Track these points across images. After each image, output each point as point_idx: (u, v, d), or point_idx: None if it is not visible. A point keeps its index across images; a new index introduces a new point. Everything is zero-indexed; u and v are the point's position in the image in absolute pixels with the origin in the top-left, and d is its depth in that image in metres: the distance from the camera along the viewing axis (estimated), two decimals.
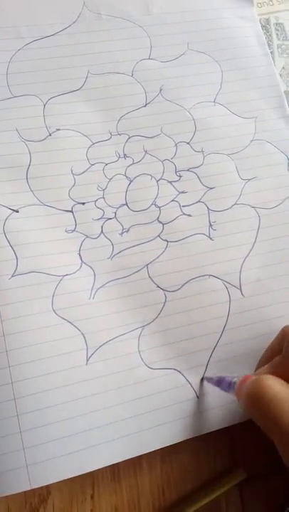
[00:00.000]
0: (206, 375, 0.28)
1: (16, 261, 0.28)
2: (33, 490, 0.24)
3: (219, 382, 0.26)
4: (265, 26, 0.38)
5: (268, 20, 0.38)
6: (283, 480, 0.28)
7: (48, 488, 0.25)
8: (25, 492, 0.24)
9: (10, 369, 0.26)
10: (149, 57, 0.34)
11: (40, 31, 0.33)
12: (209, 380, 0.27)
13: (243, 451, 0.28)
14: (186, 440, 0.27)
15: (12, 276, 0.28)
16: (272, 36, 0.37)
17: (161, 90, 0.33)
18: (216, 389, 0.27)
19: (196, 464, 0.27)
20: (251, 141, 0.33)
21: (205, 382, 0.28)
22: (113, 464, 0.25)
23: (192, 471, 0.27)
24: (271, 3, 0.38)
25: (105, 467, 0.25)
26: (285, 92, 0.35)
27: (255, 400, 0.21)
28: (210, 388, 0.28)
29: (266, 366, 0.24)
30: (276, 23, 0.38)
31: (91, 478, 0.26)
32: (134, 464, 0.26)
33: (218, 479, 0.27)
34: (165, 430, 0.26)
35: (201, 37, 0.35)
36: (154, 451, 0.26)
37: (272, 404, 0.21)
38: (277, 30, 0.38)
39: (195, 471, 0.27)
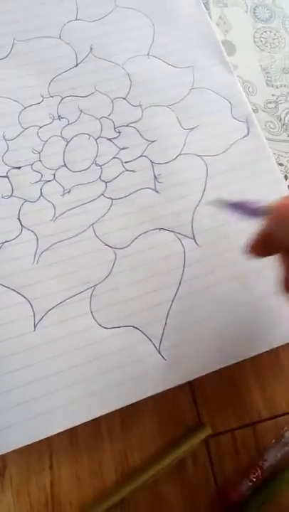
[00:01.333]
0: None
1: None
2: None
3: (239, 206, 0.21)
4: None
5: None
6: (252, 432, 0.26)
7: (3, 460, 0.23)
8: None
9: None
10: (76, 18, 0.33)
11: None
12: (225, 204, 0.22)
13: (207, 408, 0.27)
14: (146, 401, 0.25)
15: None
16: None
17: (91, 49, 0.32)
18: (180, 341, 0.26)
19: (158, 425, 0.26)
20: (190, 89, 0.32)
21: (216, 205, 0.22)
22: (71, 432, 0.24)
23: (155, 433, 0.26)
24: None
25: (63, 436, 0.23)
26: (222, 41, 0.34)
27: None
28: (172, 341, 0.26)
29: None
30: None
31: (48, 448, 0.24)
32: (94, 430, 0.25)
33: (183, 438, 0.26)
34: (126, 389, 0.25)
35: None
36: (113, 415, 0.24)
37: None
38: None
39: (158, 432, 0.26)
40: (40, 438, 0.23)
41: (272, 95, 0.34)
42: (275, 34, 0.36)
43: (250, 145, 0.32)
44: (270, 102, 0.33)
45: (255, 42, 0.35)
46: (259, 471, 0.25)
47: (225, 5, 0.36)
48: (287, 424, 0.27)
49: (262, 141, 0.32)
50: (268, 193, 0.30)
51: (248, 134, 0.32)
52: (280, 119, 0.33)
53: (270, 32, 0.36)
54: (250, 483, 0.24)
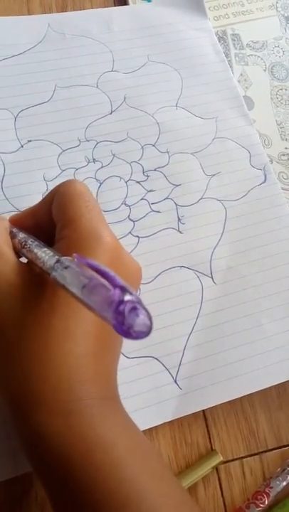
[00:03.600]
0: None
1: None
2: None
3: None
4: (223, 37, 0.40)
5: (224, 32, 0.41)
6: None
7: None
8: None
9: None
10: (112, 69, 0.36)
11: (8, 50, 0.35)
12: None
13: (219, 436, 0.29)
14: (163, 428, 0.28)
15: None
16: (229, 46, 0.40)
17: (125, 98, 0.35)
18: (195, 372, 0.28)
19: (174, 451, 0.28)
20: (213, 139, 0.35)
21: None
22: None
23: (170, 459, 0.28)
24: (227, 16, 0.41)
25: None
26: (243, 96, 0.38)
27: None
28: (188, 371, 0.29)
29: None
30: (232, 34, 0.41)
31: None
32: None
33: (196, 464, 0.28)
34: (143, 415, 0.27)
35: (159, 49, 0.38)
36: None
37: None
38: (234, 40, 0.40)
39: (173, 458, 0.28)
40: None
41: (286, 148, 0.37)
42: None
43: (266, 192, 0.34)
44: (284, 155, 0.36)
45: (271, 98, 0.38)
46: (266, 498, 0.27)
47: (246, 63, 0.39)
48: None
49: (277, 188, 0.35)
50: (278, 237, 0.33)
51: (264, 181, 0.35)
52: None
53: (286, 90, 0.39)
54: (258, 509, 0.26)
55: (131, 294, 0.15)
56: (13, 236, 0.23)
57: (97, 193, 0.33)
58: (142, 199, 0.33)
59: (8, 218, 0.25)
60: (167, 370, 0.29)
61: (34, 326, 0.20)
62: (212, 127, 0.36)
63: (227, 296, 0.31)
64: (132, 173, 0.33)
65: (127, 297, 0.14)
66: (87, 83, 0.36)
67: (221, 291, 0.31)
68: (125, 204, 0.33)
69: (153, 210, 0.33)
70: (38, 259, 0.20)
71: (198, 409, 0.28)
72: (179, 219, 0.33)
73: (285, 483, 0.28)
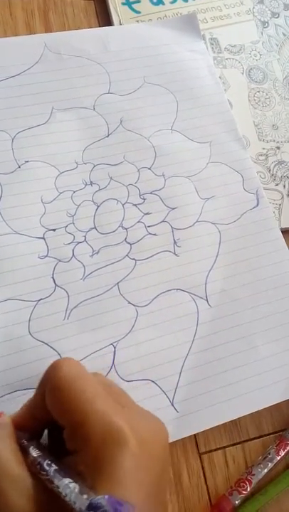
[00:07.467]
0: None
1: None
2: None
3: None
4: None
5: (203, 36, 0.41)
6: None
7: None
8: None
9: None
10: (109, 91, 0.37)
11: (5, 72, 0.35)
12: None
13: None
14: None
15: None
16: (208, 50, 0.41)
17: (121, 121, 0.36)
18: (192, 395, 0.29)
19: None
20: (207, 163, 0.36)
21: None
22: None
23: None
24: (205, 20, 0.42)
25: None
26: None
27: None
28: (185, 394, 0.29)
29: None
30: (211, 38, 0.42)
31: None
32: None
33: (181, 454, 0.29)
34: None
35: (155, 71, 0.38)
36: None
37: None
38: (212, 44, 0.41)
39: None
40: None
41: (263, 149, 0.38)
42: (266, 94, 0.41)
43: (258, 215, 0.35)
44: (261, 155, 0.38)
45: (249, 100, 0.40)
46: (248, 485, 0.28)
47: (224, 66, 0.40)
48: (272, 443, 0.31)
49: (269, 212, 0.36)
50: (270, 260, 0.34)
51: (257, 205, 0.36)
52: (269, 170, 0.38)
53: (263, 92, 0.41)
54: (240, 496, 0.28)
55: None
56: (24, 450, 0.20)
57: (95, 215, 0.33)
58: (138, 222, 0.33)
59: (8, 421, 0.21)
60: (164, 393, 0.29)
61: None
62: (206, 151, 0.36)
63: (222, 318, 0.32)
64: (128, 196, 0.34)
65: None
66: (84, 105, 0.36)
67: (215, 313, 0.32)
68: (122, 227, 0.33)
69: (149, 233, 0.33)
70: (63, 495, 0.17)
71: (195, 432, 0.29)
72: (175, 242, 0.33)
73: (266, 471, 0.29)
